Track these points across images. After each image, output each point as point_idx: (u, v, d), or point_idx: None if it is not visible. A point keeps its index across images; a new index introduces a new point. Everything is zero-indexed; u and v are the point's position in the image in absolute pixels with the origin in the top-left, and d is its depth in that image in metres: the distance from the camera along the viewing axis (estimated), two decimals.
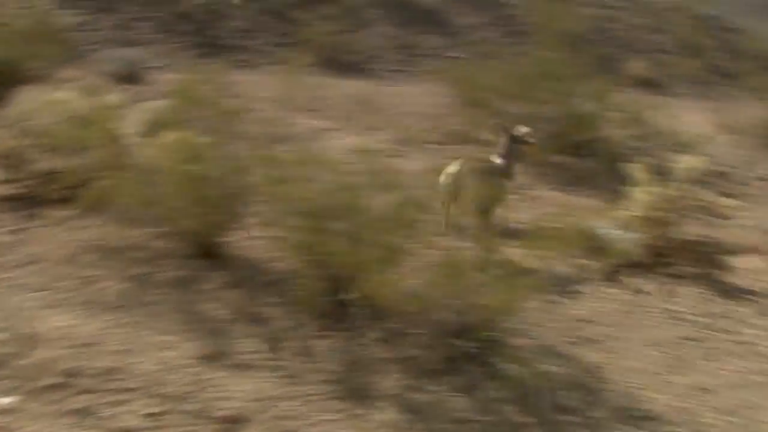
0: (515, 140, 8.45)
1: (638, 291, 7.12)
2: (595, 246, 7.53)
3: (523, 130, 8.55)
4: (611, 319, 6.49)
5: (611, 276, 7.34)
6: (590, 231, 7.71)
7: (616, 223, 7.83)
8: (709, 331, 6.47)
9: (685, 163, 7.97)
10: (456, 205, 7.66)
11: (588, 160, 11.40)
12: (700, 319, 6.68)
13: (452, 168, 7.82)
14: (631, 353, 5.92)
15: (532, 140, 8.59)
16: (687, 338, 6.31)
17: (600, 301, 6.81)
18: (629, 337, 6.19)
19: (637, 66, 20.71)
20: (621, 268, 7.47)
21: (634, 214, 7.75)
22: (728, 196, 10.09)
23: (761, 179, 12.76)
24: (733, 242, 8.45)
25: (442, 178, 7.78)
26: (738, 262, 8.03)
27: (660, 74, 21.19)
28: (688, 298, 7.11)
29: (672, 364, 5.85)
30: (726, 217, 8.98)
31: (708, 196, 8.15)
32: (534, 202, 9.58)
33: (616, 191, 8.51)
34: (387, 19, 20.60)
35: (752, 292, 7.45)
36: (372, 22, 20.37)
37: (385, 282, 5.34)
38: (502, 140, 8.46)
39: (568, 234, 7.25)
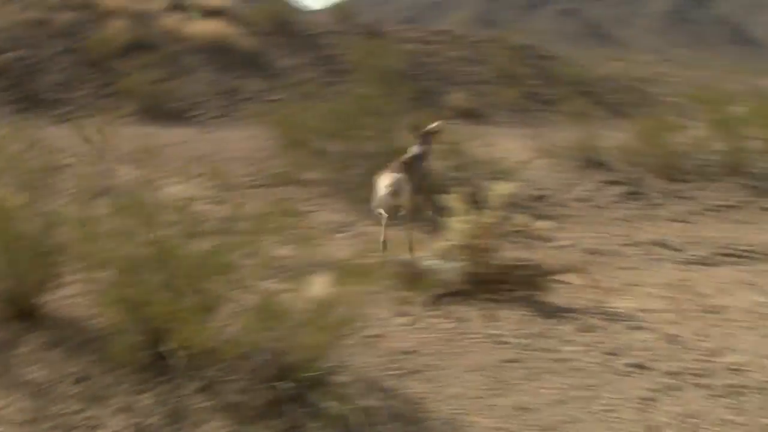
0: (428, 133, 9.96)
1: (460, 318, 7.24)
2: (416, 278, 7.65)
3: (433, 124, 10.13)
4: (433, 348, 6.56)
5: (433, 306, 7.45)
6: (411, 263, 7.85)
7: (437, 254, 7.98)
8: (530, 352, 6.61)
9: (500, 189, 8.15)
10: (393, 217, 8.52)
11: None
12: (521, 340, 6.82)
13: (388, 179, 8.96)
14: (453, 380, 6.00)
15: (440, 130, 10.20)
16: (508, 360, 6.41)
17: (422, 332, 6.89)
18: (451, 364, 6.27)
19: (457, 97, 21.28)
20: (443, 297, 7.59)
21: (453, 243, 7.90)
22: (546, 218, 10.46)
23: (578, 200, 13.23)
24: (553, 263, 8.70)
25: (382, 190, 8.92)
26: (557, 282, 8.28)
27: (480, 104, 21.80)
28: (509, 321, 7.26)
29: (494, 387, 5.94)
30: (544, 239, 9.27)
31: (526, 220, 8.36)
32: (358, 239, 9.69)
33: (437, 222, 8.68)
34: (207, 65, 20.60)
35: (572, 310, 7.68)
36: (192, 68, 20.34)
37: (203, 330, 5.32)
38: (418, 135, 9.93)
39: (389, 267, 7.37)
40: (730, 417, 5.68)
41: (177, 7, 23.52)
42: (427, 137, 9.95)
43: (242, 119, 17.21)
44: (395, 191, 8.86)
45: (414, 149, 9.79)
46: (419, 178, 9.47)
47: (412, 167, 9.39)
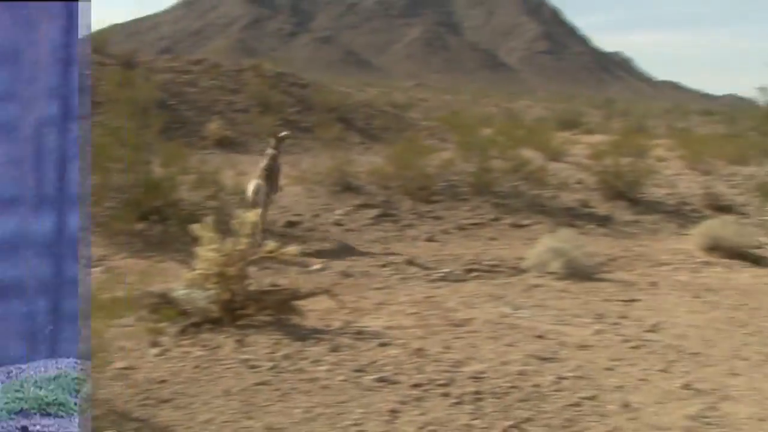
0: (280, 139, 12.98)
1: (212, 346, 7.31)
2: (167, 308, 7.65)
3: (283, 133, 13.67)
4: (185, 376, 6.60)
5: (185, 335, 7.49)
6: (162, 294, 7.85)
7: (189, 283, 8.00)
8: (281, 374, 6.75)
9: (249, 216, 8.25)
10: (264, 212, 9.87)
11: (165, 225, 11.59)
12: (272, 363, 6.95)
13: (254, 183, 11.90)
14: (204, 407, 6.05)
15: (288, 135, 13.97)
16: (259, 383, 6.53)
17: (174, 361, 6.91)
18: (203, 391, 6.32)
19: (214, 127, 21.28)
20: (195, 326, 7.65)
21: (203, 271, 7.94)
22: (300, 243, 10.64)
23: (333, 224, 13.54)
24: (305, 287, 8.88)
25: (249, 191, 11.82)
26: (311, 304, 8.46)
27: (237, 133, 21.88)
28: (261, 345, 7.39)
29: (245, 410, 6.04)
30: (297, 264, 9.45)
31: (278, 245, 8.46)
32: (110, 272, 9.61)
33: (190, 252, 8.70)
34: None
35: (322, 332, 7.89)
36: None
37: None
38: (272, 140, 12.93)
39: (139, 299, 7.36)
40: (472, 422, 6.02)
41: None
42: (280, 141, 12.86)
43: None
44: (257, 192, 11.69)
45: (269, 151, 12.62)
46: (276, 179, 12.49)
47: (271, 172, 12.26)
